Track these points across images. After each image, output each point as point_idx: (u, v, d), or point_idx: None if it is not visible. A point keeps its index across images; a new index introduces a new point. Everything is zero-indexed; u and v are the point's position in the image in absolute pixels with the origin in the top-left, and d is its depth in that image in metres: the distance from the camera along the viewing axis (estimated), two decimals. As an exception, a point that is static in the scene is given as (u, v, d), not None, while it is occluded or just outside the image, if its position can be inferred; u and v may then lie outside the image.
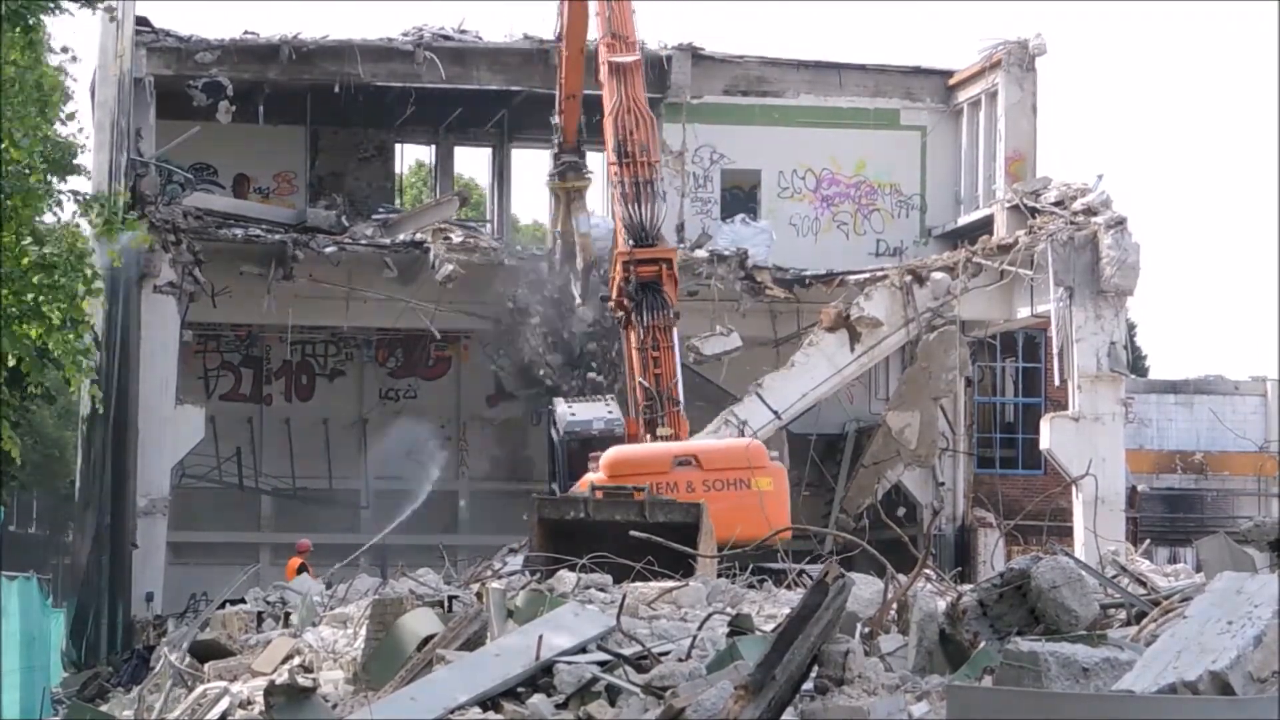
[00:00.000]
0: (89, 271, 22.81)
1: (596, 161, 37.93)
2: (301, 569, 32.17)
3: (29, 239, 23.02)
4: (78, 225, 26.02)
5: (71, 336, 22.73)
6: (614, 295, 31.22)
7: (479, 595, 15.70)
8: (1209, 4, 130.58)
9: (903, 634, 11.90)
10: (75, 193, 25.19)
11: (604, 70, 32.40)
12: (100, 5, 24.56)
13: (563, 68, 36.40)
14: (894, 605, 12.54)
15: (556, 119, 37.04)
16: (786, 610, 11.85)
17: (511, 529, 35.62)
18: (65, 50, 28.92)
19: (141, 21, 40.13)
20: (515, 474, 43.08)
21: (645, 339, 30.39)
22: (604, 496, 22.71)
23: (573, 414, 31.49)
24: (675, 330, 31.18)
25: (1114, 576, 14.18)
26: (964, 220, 42.80)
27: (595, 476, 26.80)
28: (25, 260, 22.30)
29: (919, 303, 37.94)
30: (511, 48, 41.82)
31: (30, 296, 22.39)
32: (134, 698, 20.36)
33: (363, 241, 39.84)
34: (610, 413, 31.51)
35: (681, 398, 30.89)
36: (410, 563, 25.04)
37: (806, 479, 40.94)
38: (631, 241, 31.14)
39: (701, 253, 40.23)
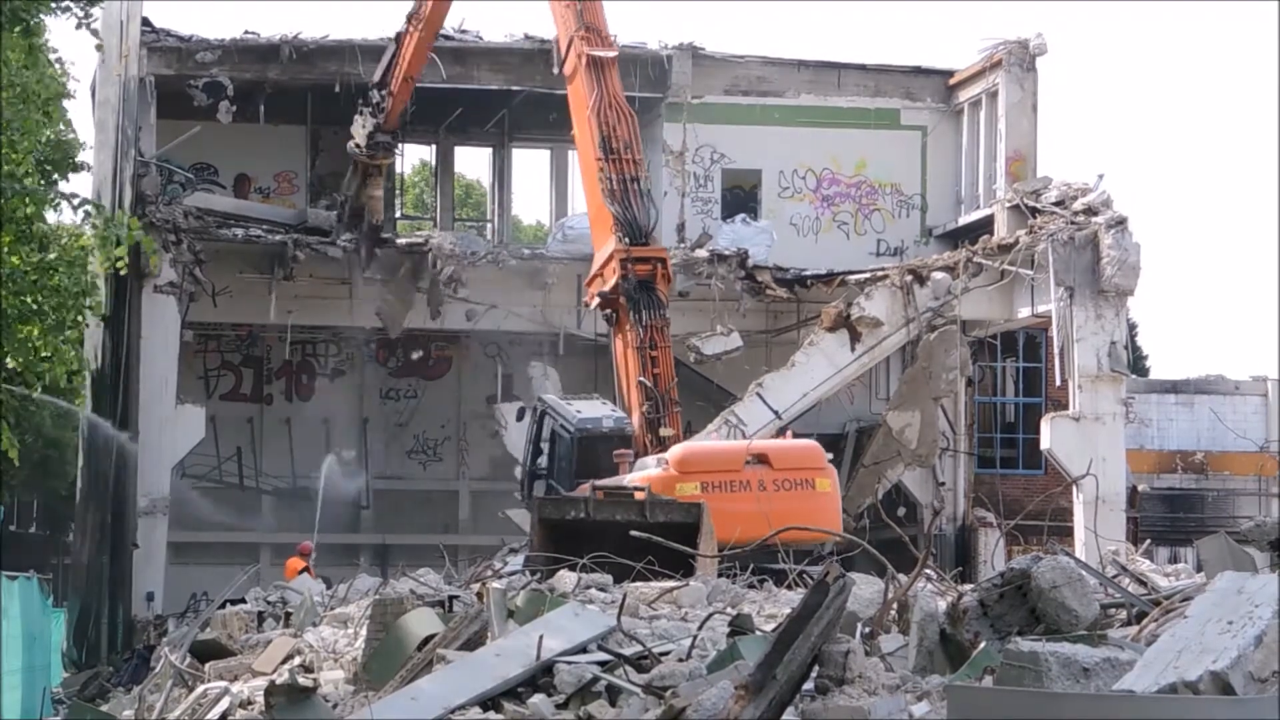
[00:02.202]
0: (87, 279, 22.82)
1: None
2: (304, 570, 32.20)
3: (28, 243, 23.03)
4: (80, 229, 26.03)
5: (65, 337, 22.76)
6: (607, 292, 30.82)
7: (479, 595, 15.69)
8: (1209, 4, 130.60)
9: (903, 634, 11.89)
10: (74, 194, 25.18)
11: (579, 64, 31.66)
12: (99, 5, 24.54)
13: (409, 48, 36.58)
14: (894, 605, 12.53)
15: (377, 94, 37.55)
16: (787, 610, 11.84)
17: (511, 529, 35.66)
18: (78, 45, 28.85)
19: (143, 21, 40.11)
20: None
21: (644, 339, 30.21)
22: (604, 496, 22.67)
23: (579, 411, 31.28)
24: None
25: (1114, 576, 14.17)
26: (964, 220, 42.79)
27: (654, 473, 26.51)
28: (20, 260, 22.29)
29: (919, 302, 37.92)
30: (511, 48, 41.81)
31: (30, 298, 22.40)
32: (134, 697, 20.35)
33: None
34: (613, 410, 31.36)
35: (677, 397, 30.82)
36: (410, 563, 25.04)
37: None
38: (627, 239, 30.78)
39: (702, 253, 40.21)
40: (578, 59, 31.81)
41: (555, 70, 33.61)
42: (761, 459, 26.94)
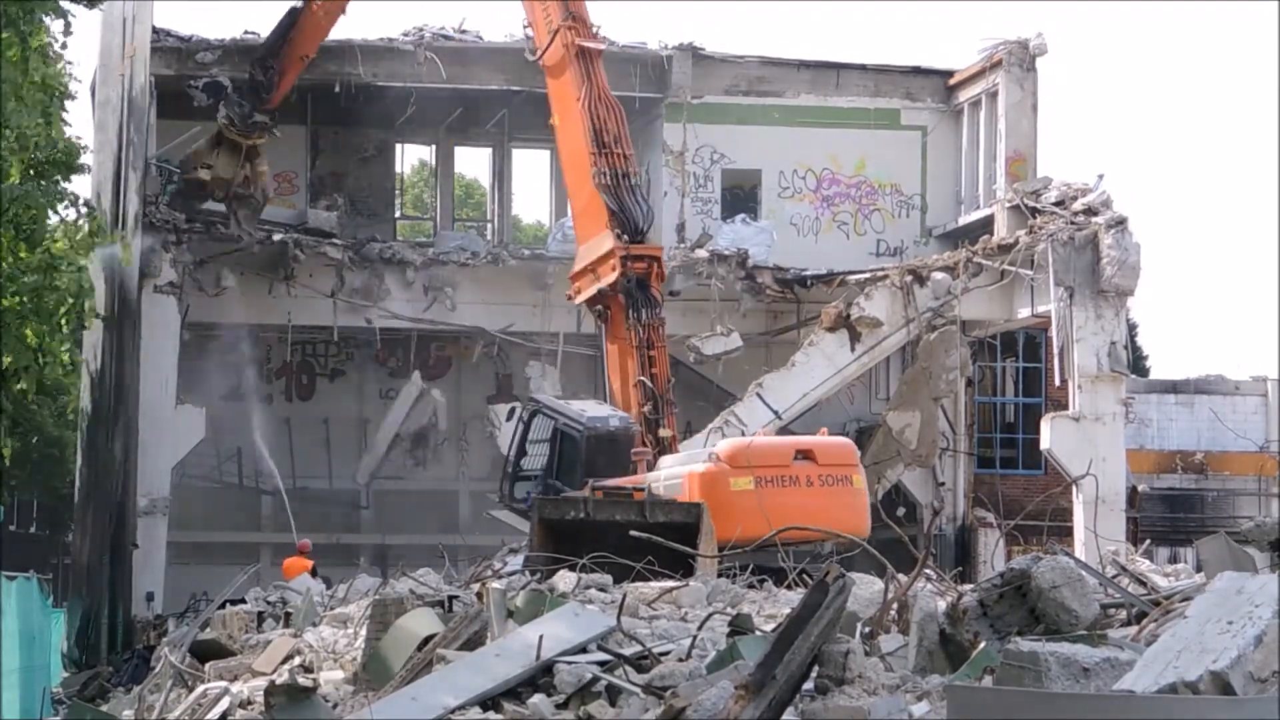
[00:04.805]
0: (85, 282, 22.81)
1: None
2: (314, 571, 32.12)
3: (32, 249, 23.05)
4: (80, 228, 26.00)
5: (61, 335, 22.76)
6: (606, 289, 30.68)
7: (479, 595, 15.69)
8: (1209, 4, 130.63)
9: (903, 634, 11.89)
10: (72, 193, 25.19)
11: (568, 54, 31.59)
12: (100, 5, 24.50)
13: (305, 25, 36.62)
14: (894, 605, 12.53)
15: (260, 73, 37.45)
16: (787, 610, 11.84)
17: (509, 529, 35.61)
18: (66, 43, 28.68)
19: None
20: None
21: (643, 338, 30.18)
22: (604, 496, 22.69)
23: (584, 410, 31.21)
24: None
25: (1114, 576, 14.16)
26: (964, 220, 42.80)
27: (701, 468, 26.42)
28: (13, 261, 22.29)
29: (919, 303, 37.93)
30: (511, 48, 41.74)
31: (30, 297, 22.40)
32: (134, 697, 20.35)
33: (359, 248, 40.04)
34: (613, 410, 31.33)
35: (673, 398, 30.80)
36: (410, 563, 25.04)
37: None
38: (625, 237, 30.69)
39: (702, 252, 40.22)
40: (565, 49, 31.60)
41: (531, 58, 33.47)
42: (807, 455, 26.95)
